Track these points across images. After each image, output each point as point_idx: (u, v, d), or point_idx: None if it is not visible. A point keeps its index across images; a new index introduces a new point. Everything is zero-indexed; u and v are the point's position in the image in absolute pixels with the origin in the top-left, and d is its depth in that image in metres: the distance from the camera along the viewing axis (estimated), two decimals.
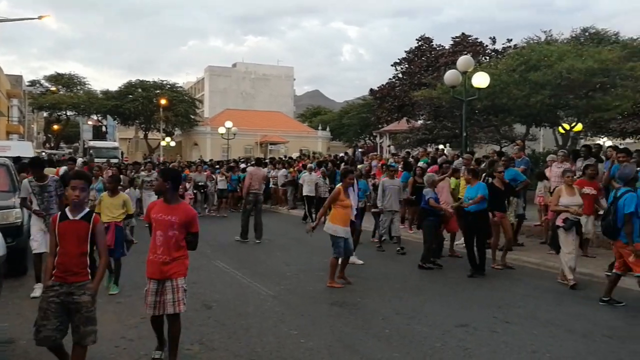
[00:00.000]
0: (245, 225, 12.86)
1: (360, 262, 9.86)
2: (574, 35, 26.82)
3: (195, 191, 18.74)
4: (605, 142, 33.48)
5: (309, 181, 17.33)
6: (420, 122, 31.74)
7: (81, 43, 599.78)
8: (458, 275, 9.13)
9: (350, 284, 8.21)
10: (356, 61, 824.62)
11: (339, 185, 8.49)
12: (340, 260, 8.31)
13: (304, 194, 17.35)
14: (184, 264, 4.97)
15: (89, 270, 4.30)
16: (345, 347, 5.51)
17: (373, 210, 12.24)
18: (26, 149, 19.69)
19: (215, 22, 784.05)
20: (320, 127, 69.71)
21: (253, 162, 16.83)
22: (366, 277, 8.83)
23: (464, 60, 16.07)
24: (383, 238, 11.83)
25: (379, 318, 6.54)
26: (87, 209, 4.46)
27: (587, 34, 26.91)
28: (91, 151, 37.81)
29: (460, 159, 15.04)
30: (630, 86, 18.36)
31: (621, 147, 13.45)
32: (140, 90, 58.71)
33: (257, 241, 12.68)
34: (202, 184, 18.98)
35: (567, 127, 21.68)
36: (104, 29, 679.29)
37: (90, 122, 56.22)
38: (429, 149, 32.35)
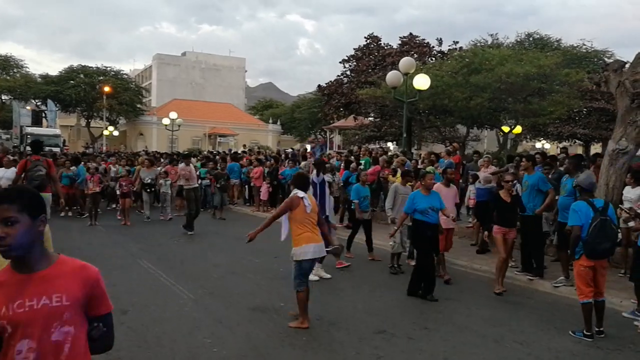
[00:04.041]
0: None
1: (328, 275, 8.97)
2: (518, 39, 27.60)
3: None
4: (544, 144, 34.79)
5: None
6: (370, 119, 32.04)
7: (23, 23, 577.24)
8: (385, 279, 9.17)
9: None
10: (312, 55, 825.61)
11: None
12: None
13: None
14: None
15: None
16: (258, 356, 5.45)
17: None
18: None
19: (169, 8, 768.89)
20: (271, 121, 69.42)
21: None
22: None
23: (406, 62, 16.24)
24: (406, 253, 10.20)
25: None
26: None
27: (531, 39, 27.74)
28: (29, 138, 35.93)
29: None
30: (566, 92, 18.99)
31: (558, 149, 13.82)
32: (82, 76, 56.83)
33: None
34: (150, 182, 15.55)
35: (506, 129, 22.27)
36: (49, 9, 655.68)
37: (28, 107, 53.79)
38: (373, 146, 32.75)
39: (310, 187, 8.77)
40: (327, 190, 9.58)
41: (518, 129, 21.80)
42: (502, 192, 8.60)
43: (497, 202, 8.53)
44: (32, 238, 2.21)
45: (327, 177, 10.64)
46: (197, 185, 14.07)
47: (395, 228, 8.88)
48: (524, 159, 10.16)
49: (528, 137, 26.74)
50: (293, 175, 7.41)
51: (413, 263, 9.70)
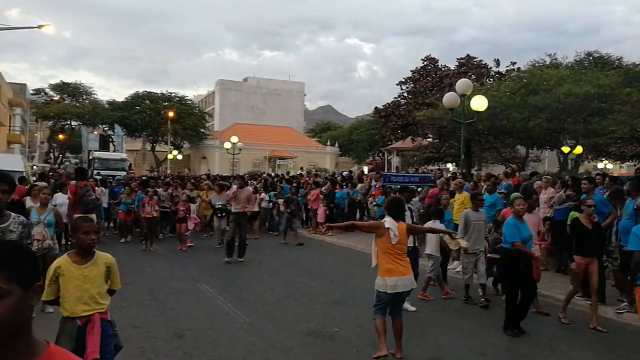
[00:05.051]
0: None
1: (413, 308, 8.41)
2: (578, 58, 26.91)
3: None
4: (606, 165, 33.54)
5: None
6: (428, 140, 31.87)
7: (93, 51, 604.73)
8: (441, 303, 9.06)
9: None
10: (370, 77, 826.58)
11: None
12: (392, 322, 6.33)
13: None
14: None
15: None
16: None
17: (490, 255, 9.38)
18: (16, 163, 18.23)
19: (232, 35, 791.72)
20: (329, 143, 70.01)
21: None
22: (349, 304, 8.79)
23: (463, 83, 16.13)
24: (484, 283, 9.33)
25: (353, 350, 6.48)
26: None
27: (590, 57, 26.98)
28: (96, 162, 37.30)
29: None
30: (628, 112, 18.40)
31: (621, 169, 13.39)
32: (147, 101, 59.03)
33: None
34: (221, 206, 14.88)
35: (566, 150, 21.72)
36: (118, 38, 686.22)
37: (96, 132, 56.02)
38: (432, 167, 32.41)
39: None
40: (408, 220, 8.92)
41: (578, 150, 21.20)
42: (582, 218, 7.86)
43: (577, 229, 7.82)
44: (21, 319, 1.51)
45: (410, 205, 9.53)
46: (245, 210, 13.11)
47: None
48: (584, 181, 9.90)
49: (589, 157, 25.84)
50: (386, 200, 7.06)
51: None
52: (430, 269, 9.52)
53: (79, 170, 12.28)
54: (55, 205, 9.95)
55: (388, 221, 6.18)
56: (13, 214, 4.28)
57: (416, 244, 8.69)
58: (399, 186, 13.18)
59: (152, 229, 14.58)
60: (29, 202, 8.61)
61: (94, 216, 10.44)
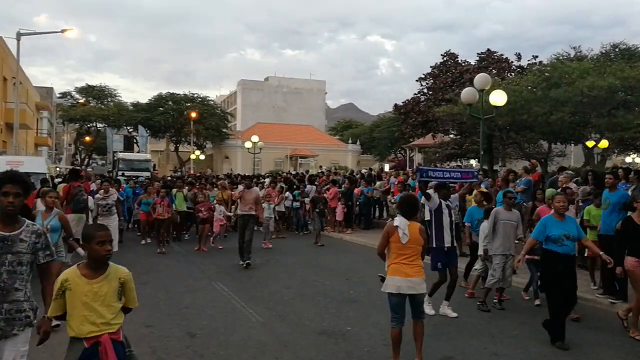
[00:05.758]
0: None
1: (454, 314, 8.05)
2: (603, 51, 26.35)
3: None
4: (634, 159, 32.76)
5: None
6: (451, 136, 31.62)
7: (118, 54, 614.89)
8: (457, 302, 8.92)
9: None
10: (392, 74, 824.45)
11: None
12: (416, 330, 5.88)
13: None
14: None
15: None
16: None
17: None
18: (39, 165, 18.09)
19: (253, 35, 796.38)
20: (350, 141, 69.91)
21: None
22: (364, 303, 8.74)
23: (481, 78, 15.95)
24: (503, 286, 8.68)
25: (364, 349, 6.42)
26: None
27: (617, 49, 26.39)
28: (121, 162, 37.53)
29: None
30: None
31: None
32: (170, 103, 59.79)
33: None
34: None
35: (590, 144, 21.28)
36: (142, 41, 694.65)
37: (120, 134, 56.60)
38: (454, 164, 32.04)
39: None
40: (446, 219, 8.17)
41: (604, 144, 20.76)
42: (635, 216, 7.25)
43: (630, 229, 7.18)
44: None
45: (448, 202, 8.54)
46: (252, 212, 12.25)
47: (523, 253, 7.16)
48: (608, 175, 9.66)
49: (616, 151, 25.20)
50: (399, 198, 6.71)
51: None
52: (480, 269, 9.34)
53: (72, 171, 12.83)
54: None
55: (397, 219, 5.89)
56: (28, 221, 3.89)
57: (454, 244, 8.28)
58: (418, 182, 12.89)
59: (162, 229, 14.17)
60: (39, 204, 8.43)
61: (83, 215, 10.63)
